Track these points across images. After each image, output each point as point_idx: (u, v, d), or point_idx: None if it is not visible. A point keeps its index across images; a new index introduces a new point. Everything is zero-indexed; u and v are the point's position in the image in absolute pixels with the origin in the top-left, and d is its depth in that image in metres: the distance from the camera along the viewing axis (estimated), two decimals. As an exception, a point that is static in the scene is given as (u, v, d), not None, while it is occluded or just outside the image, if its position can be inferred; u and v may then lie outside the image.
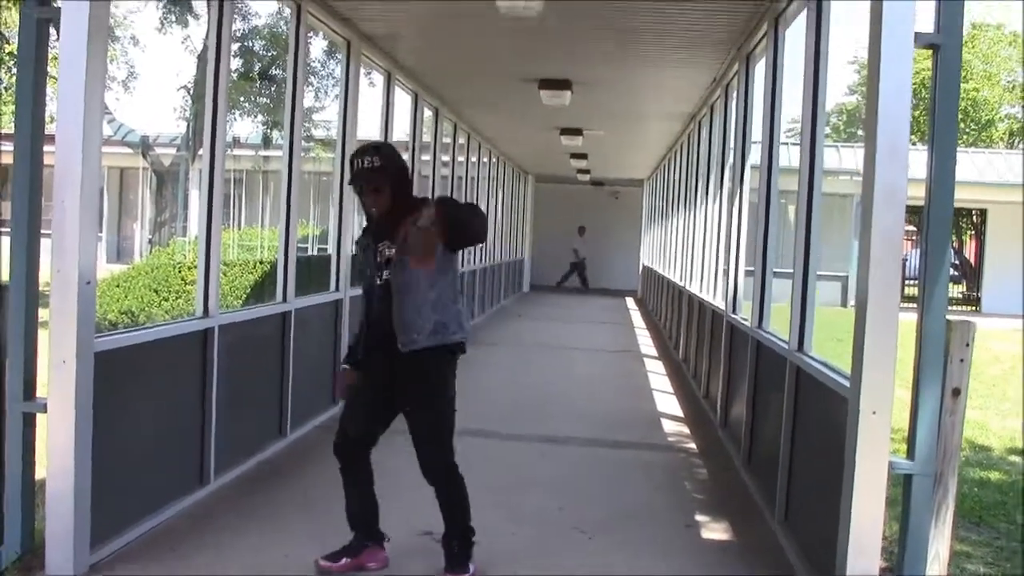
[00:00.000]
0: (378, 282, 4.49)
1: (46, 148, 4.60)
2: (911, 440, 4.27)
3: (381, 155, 4.43)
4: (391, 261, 4.44)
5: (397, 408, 4.63)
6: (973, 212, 29.90)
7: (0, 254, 4.71)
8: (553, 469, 6.95)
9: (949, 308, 4.33)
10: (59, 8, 4.41)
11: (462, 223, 4.34)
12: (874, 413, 4.08)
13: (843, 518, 4.17)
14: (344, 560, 4.70)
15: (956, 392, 4.29)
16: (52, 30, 4.69)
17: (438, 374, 4.55)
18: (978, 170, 26.72)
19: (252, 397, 6.66)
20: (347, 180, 4.53)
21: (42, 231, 4.64)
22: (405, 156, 11.62)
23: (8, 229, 4.60)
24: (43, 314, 4.54)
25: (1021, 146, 34.99)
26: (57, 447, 4.41)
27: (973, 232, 31.26)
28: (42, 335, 4.57)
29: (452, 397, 4.62)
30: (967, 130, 36.37)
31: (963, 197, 25.74)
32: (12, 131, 4.59)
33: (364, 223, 4.73)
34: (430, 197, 4.70)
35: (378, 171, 4.40)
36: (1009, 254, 25.67)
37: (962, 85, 34.37)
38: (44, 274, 4.53)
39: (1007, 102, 37.67)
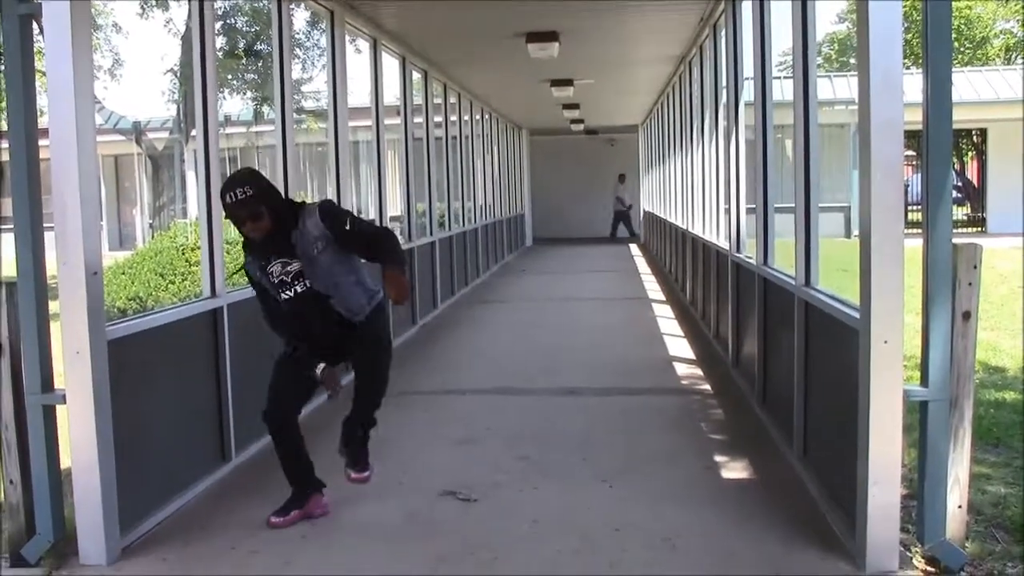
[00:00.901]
0: (291, 295, 4.71)
1: (40, 142, 4.60)
2: (924, 367, 4.30)
3: (247, 184, 4.54)
4: (298, 275, 4.66)
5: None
6: (973, 132, 29.73)
7: (2, 251, 4.72)
8: (571, 421, 6.99)
9: (955, 231, 4.34)
10: (40, 4, 4.39)
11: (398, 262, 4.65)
12: (885, 342, 4.10)
13: (861, 449, 4.20)
14: (293, 512, 4.96)
15: (966, 315, 4.31)
16: (36, 25, 4.67)
17: (384, 329, 5.05)
18: (975, 89, 26.53)
19: (266, 372, 6.65)
20: (229, 217, 4.62)
21: (44, 224, 4.65)
22: (397, 120, 11.69)
23: (9, 226, 4.61)
24: (53, 306, 4.56)
25: (1020, 62, 34.70)
26: (79, 436, 4.46)
27: (974, 152, 31.10)
28: (54, 327, 4.60)
29: (390, 340, 5.23)
30: (961, 49, 36.09)
31: (962, 117, 25.59)
32: (4, 128, 4.58)
33: (244, 242, 4.80)
34: (299, 204, 4.84)
35: (251, 200, 4.52)
36: (1012, 172, 25.55)
37: (955, 3, 34.11)
38: (50, 267, 4.55)
39: (1001, 17, 37.32)
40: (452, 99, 15.45)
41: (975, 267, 4.29)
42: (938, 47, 4.21)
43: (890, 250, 4.11)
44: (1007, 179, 26.24)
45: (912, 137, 4.82)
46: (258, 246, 4.68)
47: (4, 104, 4.66)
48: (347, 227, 4.68)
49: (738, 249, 8.27)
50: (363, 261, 4.87)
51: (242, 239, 4.77)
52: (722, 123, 9.54)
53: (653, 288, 15.77)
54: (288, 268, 4.67)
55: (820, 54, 38.97)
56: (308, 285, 4.68)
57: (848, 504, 4.45)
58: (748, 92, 7.97)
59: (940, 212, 4.24)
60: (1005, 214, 25.86)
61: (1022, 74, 26.28)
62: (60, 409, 4.62)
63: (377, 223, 4.84)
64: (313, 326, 4.77)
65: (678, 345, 10.09)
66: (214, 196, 5.95)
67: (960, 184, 31.35)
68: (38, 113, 4.74)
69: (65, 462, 4.71)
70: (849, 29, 38.28)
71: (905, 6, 3.99)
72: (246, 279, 4.94)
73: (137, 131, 29.11)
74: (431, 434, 6.53)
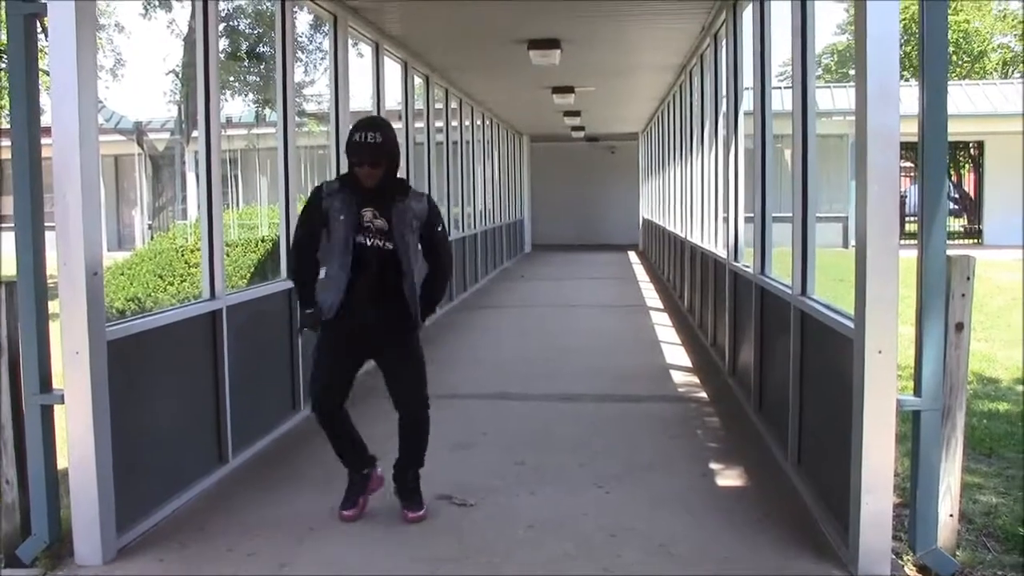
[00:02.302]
0: (369, 244, 4.76)
1: (43, 141, 4.62)
2: (918, 377, 4.33)
3: (382, 132, 4.70)
4: (381, 233, 4.76)
5: (364, 361, 5.10)
6: (970, 145, 29.82)
7: (2, 250, 4.75)
8: (569, 427, 7.02)
9: (951, 243, 4.38)
10: (45, 3, 4.41)
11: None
12: (879, 352, 4.13)
13: (854, 458, 4.23)
14: (360, 500, 5.10)
15: (959, 327, 4.34)
16: (39, 24, 4.70)
17: (418, 327, 5.04)
18: (973, 102, 26.61)
19: (264, 374, 6.72)
20: (352, 154, 4.73)
21: (45, 224, 4.67)
22: (398, 126, 11.70)
23: (10, 225, 4.64)
24: (52, 306, 4.58)
25: (1018, 76, 34.76)
26: (77, 436, 4.47)
27: (971, 165, 31.17)
28: (54, 327, 4.62)
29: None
30: (960, 62, 36.19)
31: (960, 130, 25.70)
32: (7, 126, 4.61)
33: (338, 178, 4.93)
34: (422, 192, 5.00)
35: (379, 147, 4.67)
36: (1008, 185, 25.62)
37: (953, 17, 34.21)
38: (51, 267, 4.58)
39: (999, 31, 37.42)
40: (453, 104, 15.49)
41: (968, 279, 4.33)
42: (934, 54, 4.24)
43: (885, 261, 4.14)
44: (1003, 191, 26.31)
45: (911, 148, 4.86)
46: (358, 188, 4.76)
47: (7, 103, 4.68)
48: (439, 228, 4.94)
49: (736, 258, 8.30)
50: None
51: (340, 175, 4.91)
52: (721, 132, 9.58)
53: (651, 296, 15.80)
54: (377, 222, 4.76)
55: (820, 65, 39.13)
56: (391, 248, 4.76)
57: (841, 512, 4.47)
58: (748, 101, 8.01)
59: (934, 223, 4.27)
60: (1001, 226, 25.92)
61: (1023, 88, 26.32)
62: (58, 409, 4.65)
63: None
64: (372, 284, 4.79)
65: (675, 353, 10.12)
66: (215, 197, 5.98)
67: (957, 196, 31.41)
68: (41, 112, 4.78)
69: (62, 462, 4.72)
70: (849, 40, 38.38)
71: (904, 19, 4.01)
72: (304, 206, 4.90)
73: (138, 131, 29.11)
74: (431, 436, 6.54)
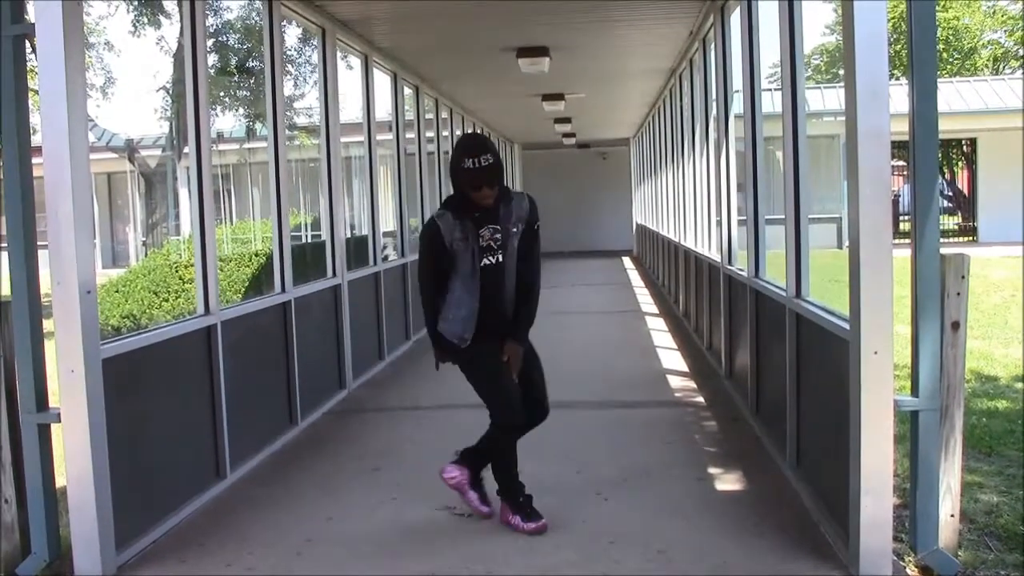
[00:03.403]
0: (492, 262, 4.81)
1: (34, 160, 4.62)
2: (915, 377, 4.33)
3: (491, 152, 4.71)
4: (500, 247, 4.81)
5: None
6: (963, 142, 29.89)
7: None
8: (564, 434, 6.98)
9: (946, 240, 4.41)
10: (33, 24, 4.41)
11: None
12: (875, 353, 4.12)
13: (852, 459, 4.22)
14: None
15: (955, 326, 4.35)
16: (28, 44, 4.70)
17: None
18: (964, 99, 26.66)
19: (260, 388, 6.71)
20: (466, 180, 4.69)
21: (38, 243, 4.67)
22: (388, 136, 11.72)
23: (3, 244, 4.63)
24: (47, 325, 4.58)
25: (1008, 72, 34.85)
26: (74, 455, 4.46)
27: (964, 162, 31.23)
28: (49, 346, 4.61)
29: None
30: (950, 59, 36.29)
31: (952, 127, 25.74)
32: (-2, 147, 4.61)
33: (444, 210, 4.86)
34: (518, 191, 5.04)
35: (494, 168, 4.69)
36: (1002, 182, 25.67)
37: (943, 14, 34.30)
38: (44, 285, 4.57)
39: (989, 28, 37.52)
40: (444, 114, 15.49)
41: (963, 277, 4.33)
42: (922, 51, 4.26)
43: (878, 261, 4.14)
44: (997, 188, 26.35)
45: (903, 147, 4.86)
46: (471, 210, 4.76)
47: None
48: (536, 227, 4.94)
49: (730, 261, 8.30)
50: None
51: (446, 202, 4.89)
52: (712, 135, 9.59)
53: (646, 301, 15.80)
54: (496, 236, 4.80)
55: (810, 66, 39.19)
56: (500, 259, 4.82)
57: (841, 514, 4.47)
58: (738, 104, 8.02)
59: (927, 222, 4.28)
60: (996, 223, 25.97)
61: (1022, 84, 26.37)
62: (55, 428, 4.64)
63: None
64: (498, 299, 4.86)
65: (671, 358, 10.11)
66: (207, 213, 5.98)
67: (951, 194, 31.48)
68: (31, 131, 4.78)
69: (60, 481, 4.71)
70: (838, 41, 38.48)
71: (893, 17, 4.02)
72: (424, 245, 4.89)
73: (130, 149, 29.15)
74: (426, 449, 6.54)
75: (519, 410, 4.93)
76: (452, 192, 4.90)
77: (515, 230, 4.82)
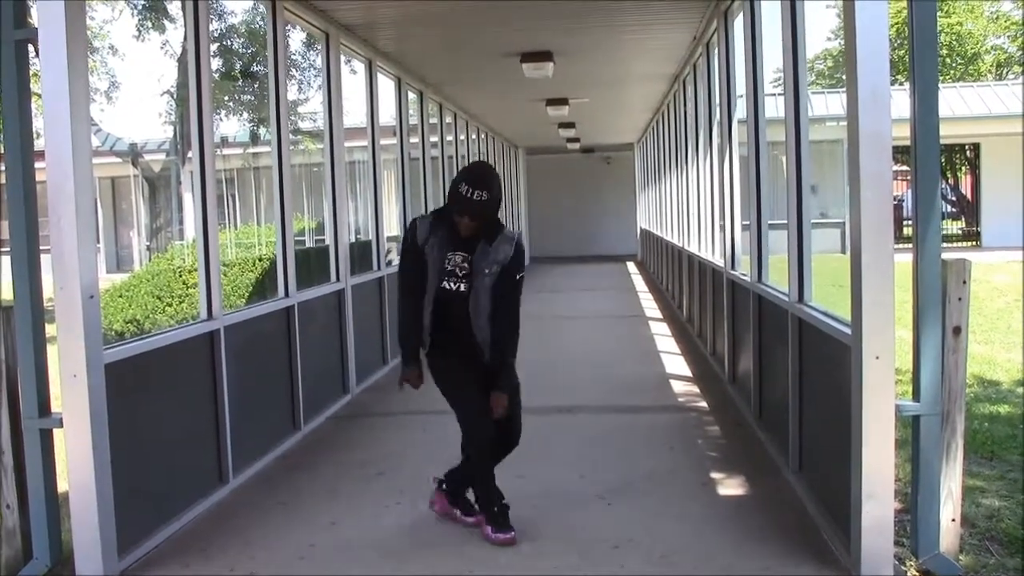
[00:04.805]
0: (452, 288, 4.80)
1: (37, 164, 4.63)
2: (916, 382, 4.33)
3: (490, 191, 4.69)
4: (464, 277, 4.79)
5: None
6: (966, 147, 29.85)
7: (1, 274, 4.76)
8: (568, 439, 7.01)
9: (949, 245, 4.41)
10: (36, 29, 4.43)
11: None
12: (877, 358, 4.12)
13: (854, 464, 4.22)
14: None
15: (957, 331, 4.35)
16: (32, 48, 4.72)
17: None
18: (968, 105, 26.64)
19: (263, 393, 6.71)
20: (454, 203, 4.71)
21: (41, 247, 4.68)
22: (392, 141, 11.73)
23: (6, 249, 4.64)
24: (50, 329, 4.58)
25: (1011, 77, 34.82)
26: (77, 460, 4.47)
27: (968, 167, 31.20)
28: (51, 350, 4.62)
29: None
30: (953, 65, 36.23)
31: (955, 132, 25.72)
32: (1, 151, 4.63)
33: (429, 215, 4.93)
34: (503, 226, 4.95)
35: (484, 205, 4.69)
36: (1005, 186, 25.64)
37: (945, 19, 34.26)
38: (47, 289, 4.58)
39: (992, 33, 37.48)
40: (448, 119, 15.51)
41: (965, 282, 4.33)
42: (924, 55, 4.26)
43: (880, 266, 4.14)
44: (1000, 193, 26.31)
45: (906, 152, 4.86)
46: (451, 228, 4.78)
47: (1, 127, 4.69)
48: (518, 277, 4.87)
49: (733, 266, 8.30)
50: None
51: (434, 210, 4.94)
52: (716, 140, 9.59)
53: (650, 306, 15.79)
54: (464, 265, 4.79)
55: (813, 71, 39.13)
56: (464, 289, 4.79)
57: (843, 518, 4.47)
58: (741, 109, 8.02)
59: (929, 227, 4.28)
60: (999, 228, 25.93)
61: (1022, 90, 26.35)
62: (57, 432, 4.64)
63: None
64: (456, 327, 4.84)
65: (675, 362, 10.11)
66: (211, 217, 5.99)
67: (954, 199, 31.45)
68: (34, 136, 4.79)
69: (63, 486, 4.72)
70: (842, 46, 38.45)
71: (896, 22, 4.02)
72: (406, 241, 4.93)
73: (134, 153, 29.18)
74: (429, 453, 6.54)
75: (481, 429, 4.85)
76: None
77: (488, 271, 4.78)
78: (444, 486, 5.19)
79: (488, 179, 4.74)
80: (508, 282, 4.83)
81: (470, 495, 5.13)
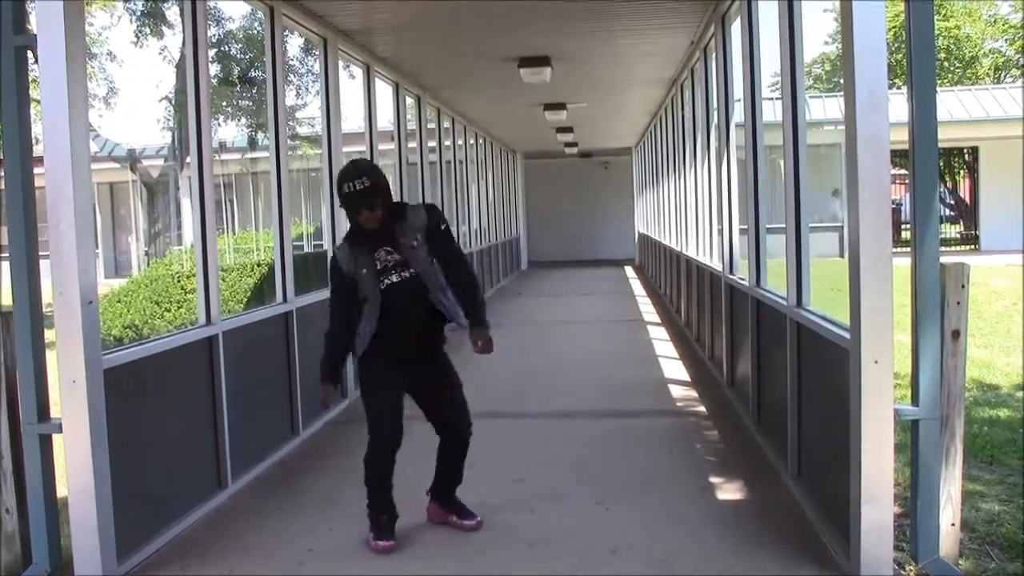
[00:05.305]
0: (396, 280, 4.84)
1: (36, 170, 4.63)
2: (915, 386, 4.33)
3: (367, 176, 4.73)
4: (399, 264, 4.83)
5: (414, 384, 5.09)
6: (965, 150, 29.85)
7: (0, 280, 4.76)
8: (566, 443, 7.00)
9: (948, 249, 4.41)
10: (35, 35, 4.43)
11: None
12: (876, 362, 4.12)
13: (853, 469, 4.22)
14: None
15: (956, 335, 4.35)
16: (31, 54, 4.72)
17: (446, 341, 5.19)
18: (966, 108, 26.66)
19: (262, 399, 6.71)
20: (347, 204, 4.77)
21: (40, 253, 4.68)
22: (391, 146, 11.74)
23: (5, 255, 4.64)
24: (49, 335, 4.58)
25: (1009, 81, 34.86)
26: (76, 465, 4.47)
27: (966, 170, 31.20)
28: (50, 355, 4.62)
29: None
30: (951, 68, 36.25)
31: (954, 136, 25.72)
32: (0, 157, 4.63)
33: (343, 242, 5.00)
34: (407, 203, 5.09)
35: (369, 191, 4.71)
36: (1004, 190, 25.64)
37: (943, 23, 34.27)
38: (46, 295, 4.58)
39: (990, 36, 37.52)
40: (446, 124, 15.52)
41: (963, 286, 4.33)
42: (921, 58, 4.27)
43: (878, 270, 4.14)
44: (999, 197, 26.31)
45: (904, 156, 4.86)
46: (364, 236, 4.84)
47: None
48: (442, 227, 4.94)
49: (731, 270, 8.30)
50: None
51: (346, 234, 5.00)
52: (714, 145, 9.60)
53: (648, 310, 15.79)
54: (391, 256, 4.84)
55: (811, 75, 39.14)
56: (411, 274, 4.84)
57: (842, 523, 4.47)
58: (739, 114, 8.03)
59: (927, 231, 4.28)
60: (998, 231, 25.93)
61: (1022, 93, 26.36)
62: (56, 438, 4.64)
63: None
64: (407, 319, 4.88)
65: (673, 367, 10.10)
66: (209, 223, 5.99)
67: (953, 202, 31.46)
68: (33, 141, 4.79)
69: (62, 491, 4.71)
70: (839, 50, 38.51)
71: (894, 26, 4.03)
72: (331, 278, 5.01)
73: (132, 158, 29.16)
74: (426, 458, 6.53)
75: (386, 433, 4.94)
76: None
77: (414, 243, 4.84)
78: (433, 496, 5.26)
79: (362, 169, 4.79)
80: (439, 239, 4.91)
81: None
